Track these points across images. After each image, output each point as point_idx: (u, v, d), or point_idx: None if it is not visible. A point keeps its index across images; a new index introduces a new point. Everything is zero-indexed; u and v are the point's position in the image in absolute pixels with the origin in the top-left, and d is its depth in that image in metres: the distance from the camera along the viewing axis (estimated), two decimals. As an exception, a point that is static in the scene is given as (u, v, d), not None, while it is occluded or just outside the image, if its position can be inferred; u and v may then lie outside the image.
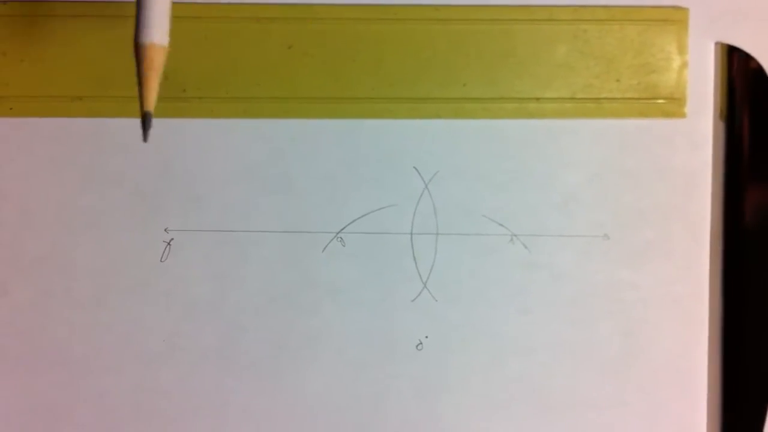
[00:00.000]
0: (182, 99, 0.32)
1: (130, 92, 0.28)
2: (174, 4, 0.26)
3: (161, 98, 0.26)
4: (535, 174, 0.33)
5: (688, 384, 0.33)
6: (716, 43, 0.33)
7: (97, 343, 0.32)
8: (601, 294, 0.33)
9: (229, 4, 0.32)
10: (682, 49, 0.33)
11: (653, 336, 0.33)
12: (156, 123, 0.29)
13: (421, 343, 0.32)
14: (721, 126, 0.33)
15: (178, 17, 0.26)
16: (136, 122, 0.32)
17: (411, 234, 0.32)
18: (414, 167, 0.33)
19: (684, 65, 0.33)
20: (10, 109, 0.32)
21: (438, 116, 0.32)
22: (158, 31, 0.25)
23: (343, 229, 0.32)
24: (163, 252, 0.32)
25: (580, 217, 0.33)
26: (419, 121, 0.32)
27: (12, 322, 0.32)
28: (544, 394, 0.33)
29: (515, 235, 0.33)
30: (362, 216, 0.32)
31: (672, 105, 0.33)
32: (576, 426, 0.33)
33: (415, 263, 0.32)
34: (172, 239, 0.32)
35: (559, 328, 0.33)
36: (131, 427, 0.32)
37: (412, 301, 0.32)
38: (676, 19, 0.33)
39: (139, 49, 0.25)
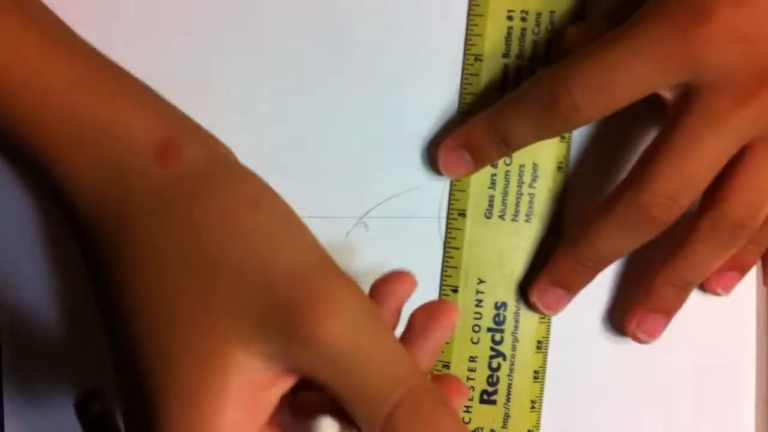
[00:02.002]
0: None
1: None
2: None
3: None
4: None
5: (735, 376, 0.31)
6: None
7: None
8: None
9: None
10: None
11: (698, 325, 0.31)
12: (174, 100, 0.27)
13: (452, 333, 0.31)
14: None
15: None
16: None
17: (439, 218, 0.31)
18: (443, 146, 0.31)
19: None
20: None
21: None
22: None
23: (367, 213, 0.31)
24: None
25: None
26: (446, 99, 0.31)
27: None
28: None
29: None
30: (387, 199, 0.31)
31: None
32: (614, 420, 0.31)
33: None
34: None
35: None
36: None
37: (442, 288, 0.31)
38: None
39: None
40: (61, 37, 0.26)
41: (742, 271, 0.30)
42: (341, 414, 0.23)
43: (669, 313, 0.29)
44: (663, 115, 0.27)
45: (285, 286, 0.22)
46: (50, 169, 0.25)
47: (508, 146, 0.28)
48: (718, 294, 0.30)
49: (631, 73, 0.25)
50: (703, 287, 0.31)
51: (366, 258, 0.31)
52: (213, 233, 0.23)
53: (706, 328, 0.31)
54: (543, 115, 0.26)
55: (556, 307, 0.30)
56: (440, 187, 0.31)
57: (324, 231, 0.29)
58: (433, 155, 0.31)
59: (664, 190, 0.25)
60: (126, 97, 0.25)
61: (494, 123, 0.28)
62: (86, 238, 0.25)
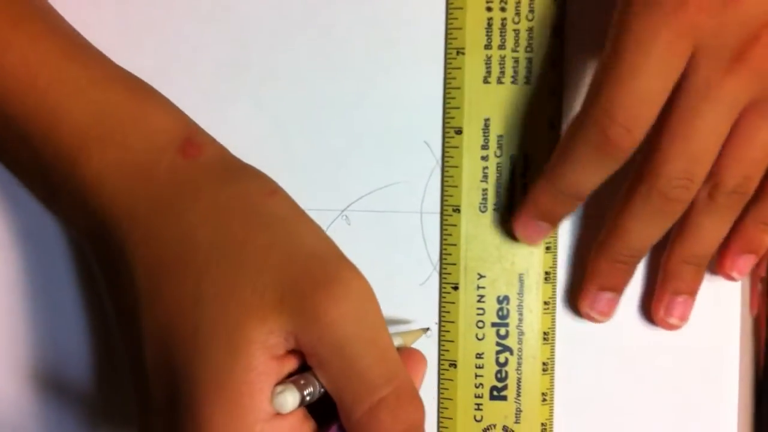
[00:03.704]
0: None
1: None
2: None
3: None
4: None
5: (719, 382, 0.31)
6: None
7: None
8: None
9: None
10: None
11: (682, 330, 0.30)
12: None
13: (430, 330, 0.31)
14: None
15: None
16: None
17: (421, 213, 0.31)
18: (425, 142, 0.31)
19: None
20: None
21: None
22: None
23: (348, 206, 0.31)
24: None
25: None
26: (431, 94, 0.31)
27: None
28: (560, 385, 0.31)
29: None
30: (369, 193, 0.31)
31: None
32: (599, 425, 0.31)
33: (425, 244, 0.31)
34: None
35: (580, 319, 0.31)
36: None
37: (421, 284, 0.31)
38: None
39: None
40: (80, 43, 0.27)
41: (757, 253, 0.29)
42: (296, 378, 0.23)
43: (692, 293, 0.30)
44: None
45: (305, 267, 0.23)
46: (74, 173, 0.25)
47: (580, 198, 0.28)
48: (733, 279, 0.30)
49: (651, 71, 0.25)
50: (718, 272, 0.30)
51: (347, 251, 0.30)
52: (239, 216, 0.24)
53: (689, 333, 0.31)
54: (599, 154, 0.26)
55: (609, 312, 0.30)
56: (422, 182, 0.31)
57: (304, 223, 0.29)
58: (413, 151, 0.31)
59: (678, 172, 0.26)
60: (148, 97, 0.27)
61: (557, 186, 0.28)
62: (106, 234, 0.26)
